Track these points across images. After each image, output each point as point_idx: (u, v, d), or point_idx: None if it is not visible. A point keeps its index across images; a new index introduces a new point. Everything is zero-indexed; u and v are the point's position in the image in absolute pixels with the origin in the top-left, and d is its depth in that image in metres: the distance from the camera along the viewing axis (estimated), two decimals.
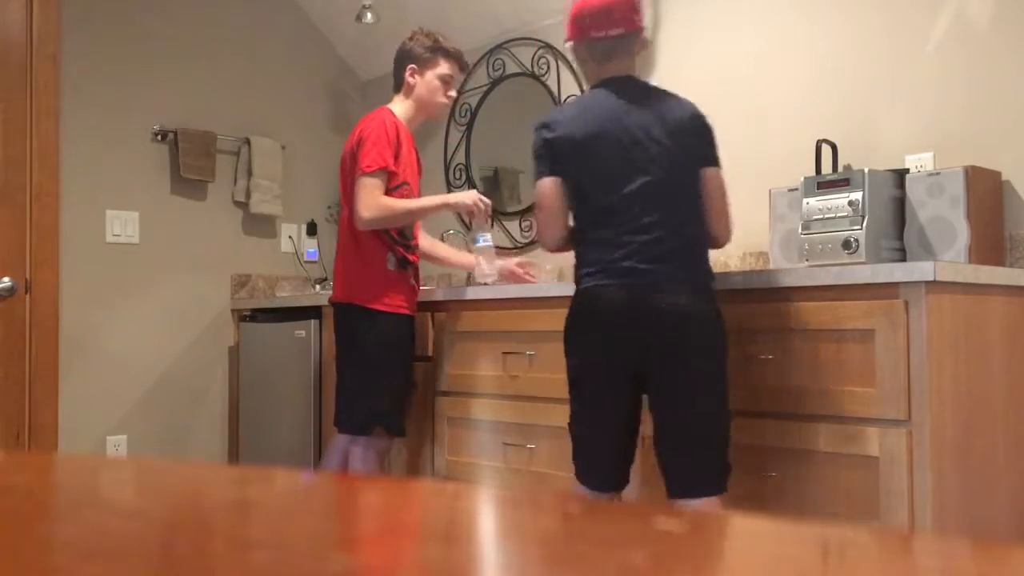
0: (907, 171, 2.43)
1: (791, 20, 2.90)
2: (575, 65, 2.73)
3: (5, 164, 3.29)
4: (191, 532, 0.47)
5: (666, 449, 1.99)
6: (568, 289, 2.55)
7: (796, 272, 2.12)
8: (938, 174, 2.34)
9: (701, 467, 1.96)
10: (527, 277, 3.09)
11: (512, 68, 3.78)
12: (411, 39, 2.88)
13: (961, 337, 1.97)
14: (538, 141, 2.15)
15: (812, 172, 2.53)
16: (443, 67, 2.84)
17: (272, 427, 3.57)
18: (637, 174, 2.02)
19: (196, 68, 3.83)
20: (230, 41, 3.94)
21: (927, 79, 2.58)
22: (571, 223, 2.17)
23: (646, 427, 2.07)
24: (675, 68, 3.15)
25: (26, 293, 3.31)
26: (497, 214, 3.77)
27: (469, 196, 2.80)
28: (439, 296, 2.93)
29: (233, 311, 3.89)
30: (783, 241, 2.62)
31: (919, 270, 1.88)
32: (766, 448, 2.11)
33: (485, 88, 3.87)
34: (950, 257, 2.28)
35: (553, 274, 3.52)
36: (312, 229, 4.17)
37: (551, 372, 2.58)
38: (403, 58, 2.87)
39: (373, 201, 2.64)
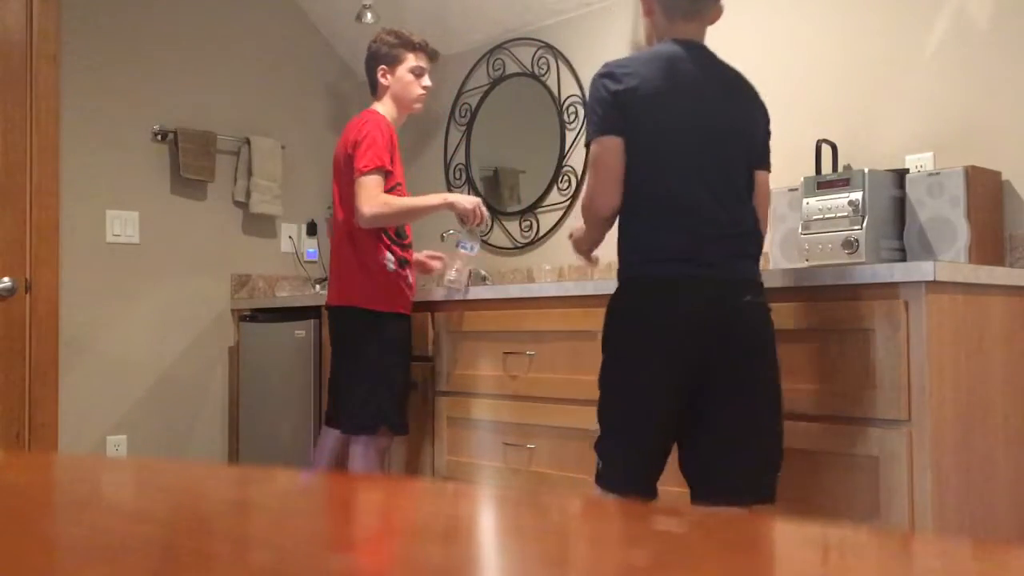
0: (907, 171, 2.43)
1: (791, 20, 2.90)
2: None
3: (5, 164, 3.29)
4: (191, 532, 0.47)
5: (728, 453, 1.85)
6: (568, 289, 2.56)
7: (796, 272, 2.11)
8: (938, 174, 2.34)
9: (766, 470, 1.88)
10: (434, 264, 3.11)
11: (512, 68, 3.78)
12: (375, 41, 2.90)
13: (961, 337, 1.96)
14: (602, 92, 1.88)
15: (812, 172, 2.53)
16: (411, 60, 2.86)
17: (272, 427, 3.56)
18: (720, 157, 1.88)
19: (196, 68, 3.83)
20: (230, 41, 3.94)
21: (927, 79, 2.58)
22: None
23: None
24: None
25: (26, 293, 3.31)
26: (497, 214, 3.77)
27: (471, 201, 2.81)
28: (439, 296, 2.93)
29: (233, 311, 3.89)
30: (783, 241, 2.62)
31: (919, 270, 1.88)
32: None
33: (485, 88, 3.87)
34: (950, 257, 2.28)
35: (553, 274, 3.53)
36: (312, 229, 4.18)
37: (551, 372, 2.58)
38: (372, 61, 2.89)
39: (375, 199, 2.64)
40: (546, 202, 3.60)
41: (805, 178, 2.47)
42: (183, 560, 0.40)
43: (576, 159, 3.49)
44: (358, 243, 2.74)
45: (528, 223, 3.67)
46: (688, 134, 1.87)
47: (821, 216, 2.39)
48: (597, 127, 1.89)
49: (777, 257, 2.64)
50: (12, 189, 3.30)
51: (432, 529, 0.49)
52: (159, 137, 3.71)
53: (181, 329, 3.76)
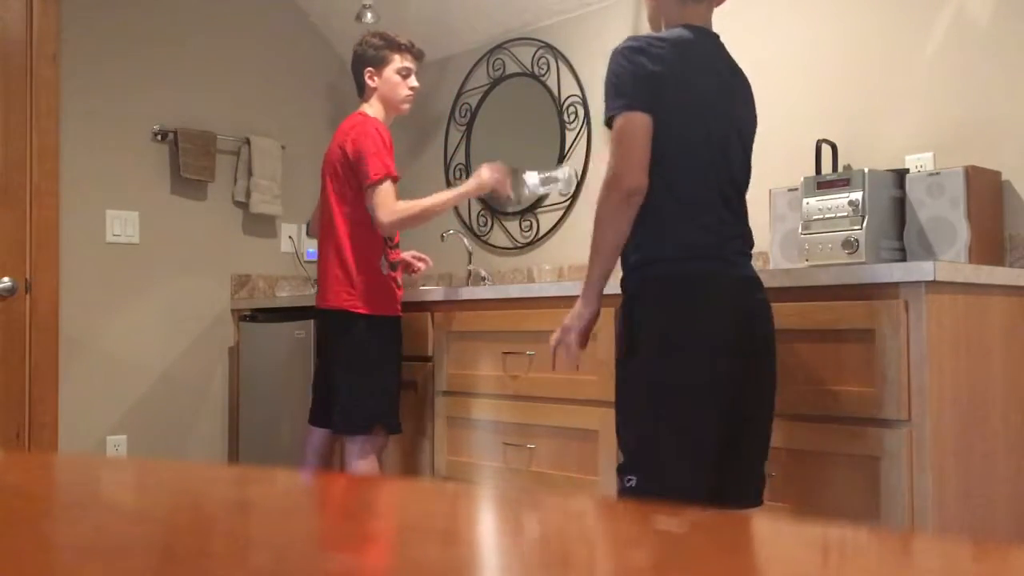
0: (907, 171, 2.43)
1: (791, 20, 2.90)
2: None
3: (5, 164, 3.29)
4: (191, 532, 0.47)
5: (744, 457, 1.84)
6: (567, 289, 2.56)
7: (796, 272, 2.11)
8: (938, 174, 2.34)
9: (762, 474, 1.89)
10: (418, 264, 3.15)
11: (512, 68, 3.78)
12: (361, 44, 2.92)
13: (961, 337, 1.96)
14: (631, 67, 1.76)
15: (812, 172, 2.53)
16: (397, 61, 2.87)
17: (272, 427, 3.56)
18: (732, 151, 1.86)
19: (196, 68, 3.83)
20: (230, 41, 3.94)
21: (927, 79, 2.58)
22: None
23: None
24: None
25: (26, 293, 3.31)
26: (497, 214, 3.77)
27: (484, 175, 2.86)
28: (439, 296, 2.93)
29: (233, 311, 3.89)
30: (783, 241, 2.62)
31: (919, 270, 1.88)
32: None
33: (485, 88, 3.87)
34: (950, 257, 2.28)
35: (553, 274, 3.53)
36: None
37: (551, 372, 2.58)
38: (358, 63, 2.91)
39: (392, 206, 2.68)
40: (546, 202, 3.60)
41: (805, 178, 2.47)
42: (183, 560, 0.40)
43: (576, 159, 3.49)
44: (355, 246, 2.75)
45: (528, 223, 3.68)
46: (711, 124, 1.82)
47: (821, 216, 2.39)
48: (627, 102, 1.75)
49: (777, 257, 2.64)
50: (12, 189, 3.30)
51: (432, 529, 0.49)
52: (159, 137, 3.71)
53: (181, 329, 3.76)
